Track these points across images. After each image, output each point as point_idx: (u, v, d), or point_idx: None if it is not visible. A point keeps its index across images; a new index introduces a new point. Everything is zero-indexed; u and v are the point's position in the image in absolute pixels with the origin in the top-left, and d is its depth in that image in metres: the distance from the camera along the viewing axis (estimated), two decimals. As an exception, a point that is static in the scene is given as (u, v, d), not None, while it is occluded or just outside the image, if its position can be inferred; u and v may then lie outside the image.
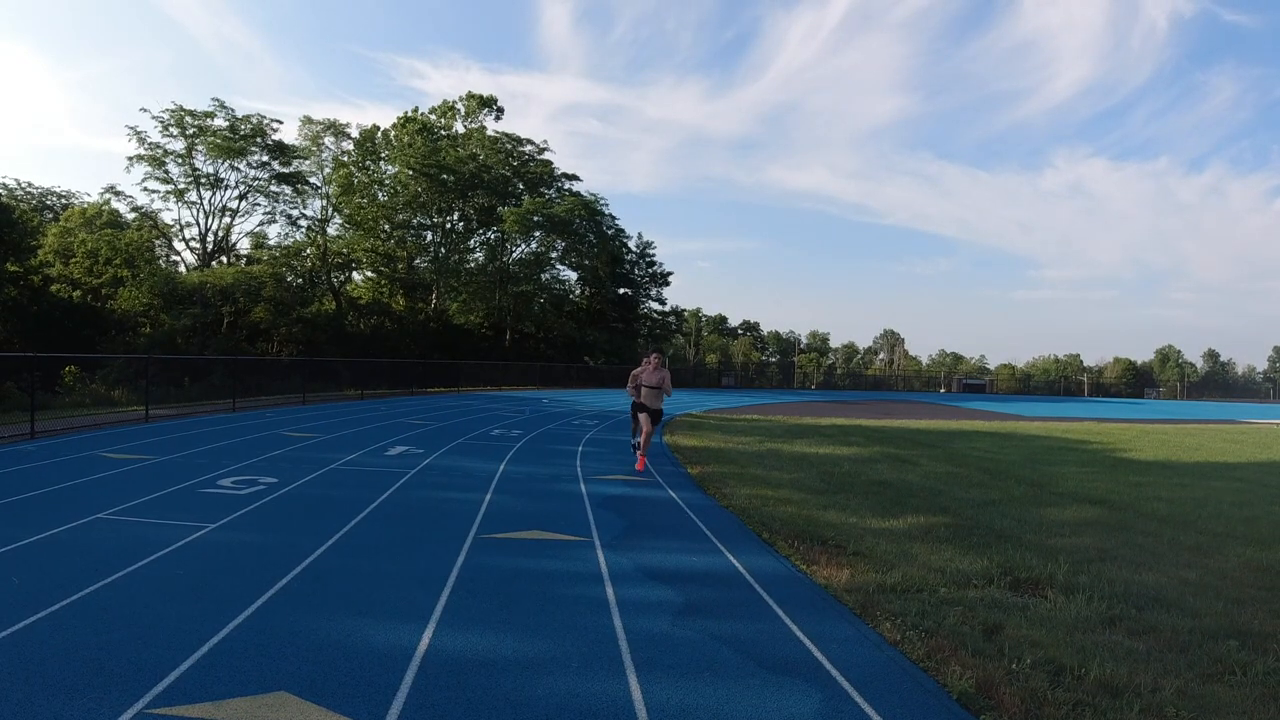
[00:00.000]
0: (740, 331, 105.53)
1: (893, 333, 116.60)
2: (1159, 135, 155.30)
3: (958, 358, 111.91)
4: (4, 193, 49.42)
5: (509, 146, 60.77)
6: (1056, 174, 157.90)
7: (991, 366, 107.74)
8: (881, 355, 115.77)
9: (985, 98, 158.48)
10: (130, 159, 45.25)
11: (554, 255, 63.37)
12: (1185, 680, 4.50)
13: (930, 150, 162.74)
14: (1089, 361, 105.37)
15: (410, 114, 58.43)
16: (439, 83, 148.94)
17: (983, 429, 26.02)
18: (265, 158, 48.10)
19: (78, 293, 40.70)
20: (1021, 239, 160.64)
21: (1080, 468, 15.07)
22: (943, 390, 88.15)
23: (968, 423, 29.39)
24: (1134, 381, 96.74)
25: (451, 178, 55.34)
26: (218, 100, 46.43)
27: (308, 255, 52.57)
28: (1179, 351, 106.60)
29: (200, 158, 46.36)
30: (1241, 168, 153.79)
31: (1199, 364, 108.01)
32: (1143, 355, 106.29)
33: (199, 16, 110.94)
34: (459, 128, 60.57)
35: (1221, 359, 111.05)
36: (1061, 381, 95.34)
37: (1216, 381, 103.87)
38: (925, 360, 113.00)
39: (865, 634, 5.27)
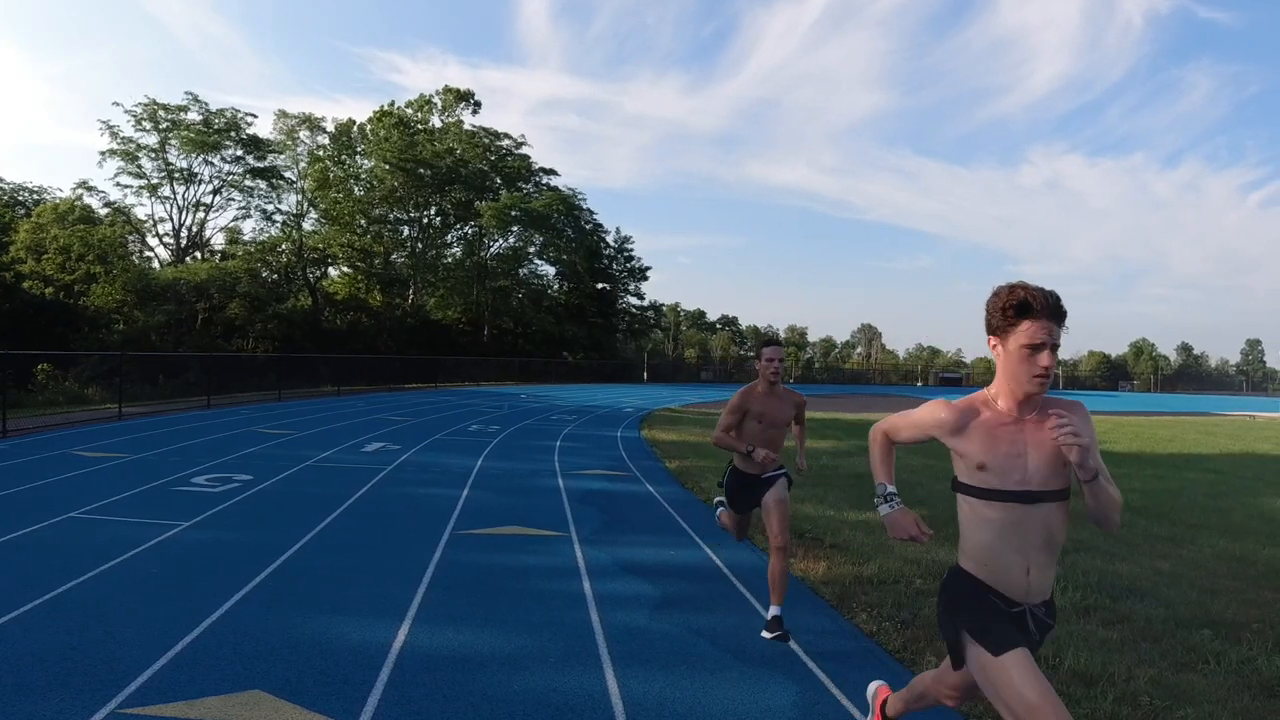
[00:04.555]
0: (719, 326, 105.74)
1: (870, 326, 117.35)
2: (1135, 131, 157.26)
3: (935, 351, 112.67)
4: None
5: (486, 141, 60.55)
6: (1034, 170, 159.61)
7: (968, 360, 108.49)
8: (859, 349, 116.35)
9: (963, 94, 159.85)
10: (103, 153, 44.85)
11: (532, 250, 63.31)
12: (1159, 669, 4.54)
13: (909, 146, 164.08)
14: (1064, 355, 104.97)
15: (386, 108, 58.08)
16: (417, 77, 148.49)
17: (959, 422, 26.14)
18: (239, 152, 47.74)
19: (50, 289, 40.12)
20: (1000, 235, 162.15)
21: (1055, 460, 15.17)
22: (920, 384, 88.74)
23: (945, 416, 29.53)
24: (1108, 374, 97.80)
25: (428, 172, 55.10)
26: (191, 94, 46.12)
27: (283, 250, 52.11)
28: (1153, 345, 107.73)
29: (174, 152, 45.99)
30: (1216, 164, 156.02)
31: (1172, 357, 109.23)
32: (1117, 349, 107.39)
33: (176, 11, 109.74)
34: (436, 122, 60.30)
35: (1195, 352, 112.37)
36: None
37: (1190, 374, 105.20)
38: (902, 354, 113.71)
39: (842, 625, 5.29)
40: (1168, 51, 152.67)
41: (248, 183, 49.20)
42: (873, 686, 3.79)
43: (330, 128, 55.81)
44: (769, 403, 5.21)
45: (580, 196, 63.80)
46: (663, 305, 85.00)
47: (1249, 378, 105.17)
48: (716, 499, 6.03)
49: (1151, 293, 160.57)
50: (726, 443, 5.19)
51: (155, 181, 45.97)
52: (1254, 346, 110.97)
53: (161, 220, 48.23)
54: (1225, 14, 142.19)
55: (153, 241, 48.83)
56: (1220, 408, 45.69)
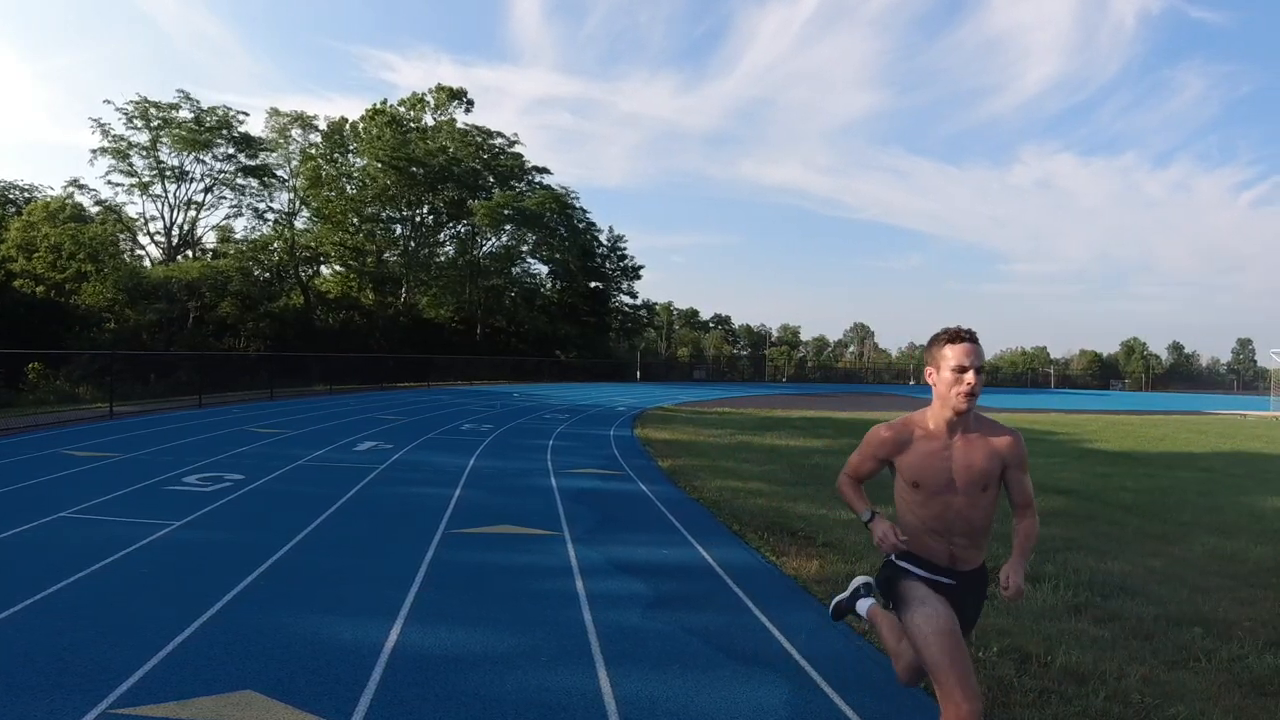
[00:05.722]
0: (712, 325, 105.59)
1: (863, 326, 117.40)
2: (1127, 131, 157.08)
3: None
4: (-36, 187, 48.50)
5: (479, 139, 60.41)
6: (1025, 169, 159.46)
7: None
8: (851, 348, 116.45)
9: (956, 94, 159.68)
10: (94, 151, 44.58)
11: (525, 249, 63.22)
12: (1150, 667, 4.56)
13: (902, 145, 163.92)
14: (1056, 354, 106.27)
15: (379, 106, 57.86)
16: (409, 75, 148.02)
17: (952, 421, 26.18)
18: (231, 150, 47.52)
19: (41, 288, 39.89)
20: (992, 234, 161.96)
21: (1047, 458, 15.22)
22: (912, 383, 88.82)
23: (937, 415, 29.57)
24: (1100, 373, 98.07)
25: (421, 170, 54.96)
26: (182, 92, 45.85)
27: (275, 249, 51.93)
28: (1144, 344, 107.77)
29: (165, 150, 45.72)
30: (1208, 163, 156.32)
31: (1164, 356, 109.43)
32: (1109, 348, 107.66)
33: (169, 9, 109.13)
34: (428, 120, 60.11)
35: (1186, 351, 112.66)
36: (1029, 374, 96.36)
37: (1181, 373, 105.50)
38: (895, 353, 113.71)
39: (835, 624, 5.29)
40: (1159, 51, 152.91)
41: (239, 181, 49.00)
42: None
43: (322, 126, 55.60)
44: (949, 446, 3.04)
45: (573, 195, 63.78)
46: (656, 304, 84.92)
47: (1240, 377, 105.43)
48: (858, 588, 3.91)
49: (1143, 292, 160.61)
50: (846, 496, 3.48)
51: (147, 180, 45.77)
52: (1245, 346, 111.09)
53: (153, 218, 48.03)
54: (1217, 14, 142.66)
55: (144, 240, 48.65)
56: (1211, 406, 45.86)
